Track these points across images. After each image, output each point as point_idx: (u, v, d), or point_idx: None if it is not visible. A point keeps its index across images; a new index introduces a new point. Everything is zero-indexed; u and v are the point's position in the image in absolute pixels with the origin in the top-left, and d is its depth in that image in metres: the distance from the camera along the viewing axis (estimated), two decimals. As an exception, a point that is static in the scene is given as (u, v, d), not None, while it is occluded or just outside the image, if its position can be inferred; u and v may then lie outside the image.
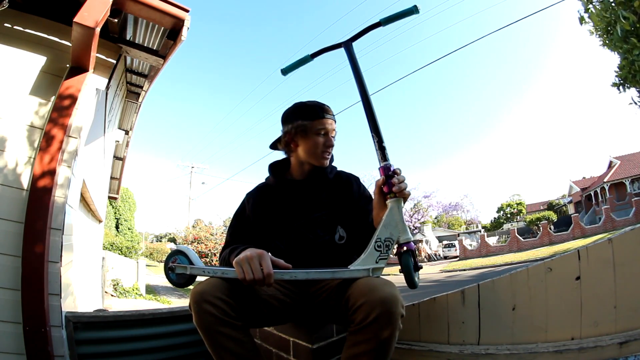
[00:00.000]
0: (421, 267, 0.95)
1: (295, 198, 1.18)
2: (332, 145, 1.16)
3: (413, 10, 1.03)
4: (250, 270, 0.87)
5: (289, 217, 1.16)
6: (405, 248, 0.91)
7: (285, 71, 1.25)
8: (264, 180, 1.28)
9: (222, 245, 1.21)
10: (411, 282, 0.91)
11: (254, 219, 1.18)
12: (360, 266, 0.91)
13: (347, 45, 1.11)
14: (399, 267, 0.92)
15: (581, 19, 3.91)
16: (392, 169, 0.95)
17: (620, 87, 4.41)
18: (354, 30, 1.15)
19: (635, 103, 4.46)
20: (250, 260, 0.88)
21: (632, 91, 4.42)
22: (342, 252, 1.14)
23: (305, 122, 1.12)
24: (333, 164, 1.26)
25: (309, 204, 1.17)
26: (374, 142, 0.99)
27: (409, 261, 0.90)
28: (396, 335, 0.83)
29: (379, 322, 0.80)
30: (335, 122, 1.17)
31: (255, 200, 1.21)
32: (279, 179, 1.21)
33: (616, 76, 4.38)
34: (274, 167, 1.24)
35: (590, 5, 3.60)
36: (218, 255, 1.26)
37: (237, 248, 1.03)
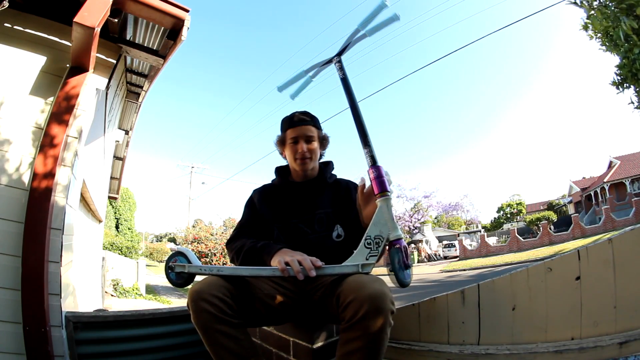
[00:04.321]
0: (411, 265, 0.96)
1: (295, 197, 1.26)
2: (304, 151, 1.21)
3: (393, 18, 1.08)
4: (295, 261, 0.95)
5: (288, 213, 1.23)
6: (396, 245, 0.92)
7: (293, 96, 1.38)
8: (269, 182, 1.37)
9: (231, 234, 1.28)
10: (398, 280, 0.92)
11: (259, 210, 1.28)
12: (350, 262, 0.92)
13: (337, 59, 1.19)
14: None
15: (585, 27, 3.91)
16: (381, 171, 0.99)
17: (620, 87, 4.40)
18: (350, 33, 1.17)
19: (633, 102, 4.46)
20: (292, 256, 0.98)
21: (631, 90, 4.42)
22: (340, 249, 1.17)
23: (282, 134, 1.28)
24: (333, 172, 1.35)
25: (309, 202, 1.25)
26: (364, 150, 1.05)
27: (395, 258, 0.91)
28: (387, 331, 0.84)
29: (368, 318, 0.81)
30: (312, 126, 1.24)
31: (260, 196, 1.31)
32: (283, 180, 1.31)
33: (616, 75, 4.37)
34: (279, 170, 1.35)
35: (592, 12, 3.61)
36: (225, 246, 1.32)
37: (271, 245, 1.09)
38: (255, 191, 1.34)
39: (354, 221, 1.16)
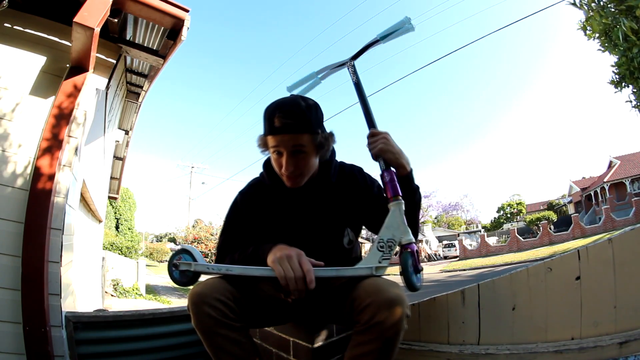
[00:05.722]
0: (421, 269, 0.95)
1: (294, 204, 1.04)
2: (290, 169, 0.92)
3: (408, 28, 1.09)
4: (291, 269, 0.84)
5: (288, 225, 1.04)
6: (407, 249, 0.92)
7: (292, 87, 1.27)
8: (257, 176, 1.10)
9: (216, 256, 1.10)
10: (409, 283, 0.91)
11: (248, 220, 1.06)
12: (364, 265, 0.92)
13: (351, 63, 1.17)
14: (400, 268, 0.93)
15: (584, 28, 3.92)
16: (393, 174, 0.98)
17: (617, 85, 4.39)
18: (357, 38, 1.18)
19: (631, 101, 4.45)
20: (289, 258, 0.85)
21: (629, 89, 4.41)
22: (351, 256, 1.13)
23: (263, 135, 0.94)
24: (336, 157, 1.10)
25: (311, 210, 1.04)
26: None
27: (408, 260, 0.91)
28: (401, 335, 0.84)
29: (385, 322, 0.81)
30: (302, 133, 0.90)
31: (249, 199, 1.07)
32: (275, 181, 1.03)
33: (614, 73, 4.36)
34: (269, 165, 1.03)
35: (591, 12, 3.61)
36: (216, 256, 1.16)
37: (262, 246, 0.95)
38: (240, 194, 1.08)
39: (369, 210, 1.07)
